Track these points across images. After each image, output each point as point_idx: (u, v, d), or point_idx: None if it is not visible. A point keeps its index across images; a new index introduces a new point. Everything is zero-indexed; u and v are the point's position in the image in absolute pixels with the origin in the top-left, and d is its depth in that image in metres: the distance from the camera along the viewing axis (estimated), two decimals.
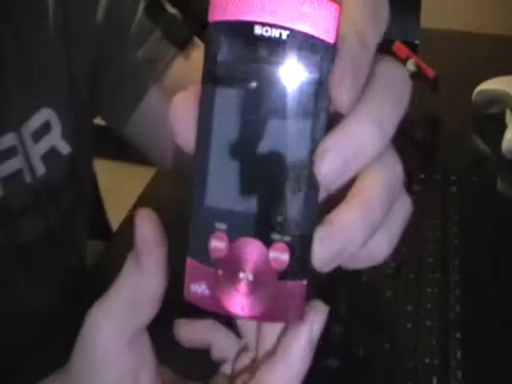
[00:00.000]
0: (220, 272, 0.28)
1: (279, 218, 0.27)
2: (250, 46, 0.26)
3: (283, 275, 0.28)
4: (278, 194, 0.27)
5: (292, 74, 0.26)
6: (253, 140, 0.27)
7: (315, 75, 0.26)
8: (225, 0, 0.26)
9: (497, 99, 0.91)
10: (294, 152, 0.26)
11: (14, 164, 0.55)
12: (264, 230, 0.27)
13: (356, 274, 0.67)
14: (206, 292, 0.28)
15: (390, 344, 0.60)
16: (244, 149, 0.27)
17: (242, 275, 0.28)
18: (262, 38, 0.26)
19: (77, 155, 0.61)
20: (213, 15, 0.26)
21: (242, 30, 0.26)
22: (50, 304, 0.66)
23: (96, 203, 1.02)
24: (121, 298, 0.31)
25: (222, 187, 0.27)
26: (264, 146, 0.27)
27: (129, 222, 0.77)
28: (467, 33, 1.18)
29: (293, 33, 0.26)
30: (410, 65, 1.04)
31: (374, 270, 0.68)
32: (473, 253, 0.70)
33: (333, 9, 0.26)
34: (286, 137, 0.26)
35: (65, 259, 0.66)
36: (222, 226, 0.27)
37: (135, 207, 0.79)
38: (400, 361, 0.59)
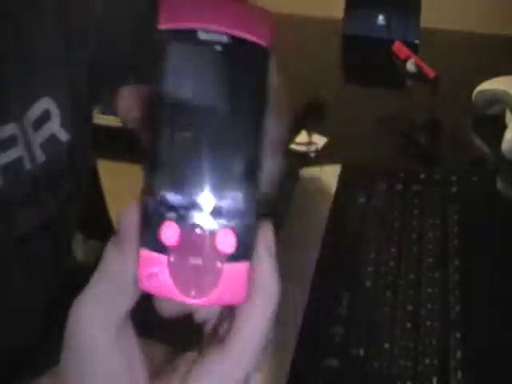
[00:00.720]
0: (172, 259, 0.30)
1: (224, 205, 0.29)
2: (195, 49, 0.29)
3: (230, 258, 0.30)
4: (223, 184, 0.29)
5: (232, 74, 0.29)
6: (198, 135, 0.29)
7: (252, 75, 0.30)
8: (170, 9, 0.30)
9: (497, 99, 0.91)
10: (235, 146, 0.30)
11: (13, 153, 0.56)
12: (211, 217, 0.30)
13: (356, 274, 0.67)
14: (160, 279, 0.30)
15: (389, 344, 0.60)
16: (190, 144, 0.29)
17: (192, 260, 0.30)
18: (204, 42, 0.29)
19: (75, 143, 0.62)
20: (161, 22, 0.29)
21: (188, 36, 0.29)
22: (45, 299, 0.66)
23: (99, 203, 1.02)
24: (104, 285, 0.31)
25: (171, 179, 0.30)
26: (208, 141, 0.29)
27: None
28: (467, 33, 1.18)
29: (232, 38, 0.29)
30: (410, 65, 1.04)
31: (374, 270, 0.68)
32: (473, 253, 0.70)
33: (267, 16, 0.30)
34: (227, 131, 0.29)
35: (59, 251, 0.67)
36: (171, 214, 0.30)
37: None
38: (400, 361, 0.59)
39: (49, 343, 0.62)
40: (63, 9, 0.60)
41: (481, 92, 0.92)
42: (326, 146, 0.89)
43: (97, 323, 0.31)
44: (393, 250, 0.70)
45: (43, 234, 0.62)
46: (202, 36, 0.29)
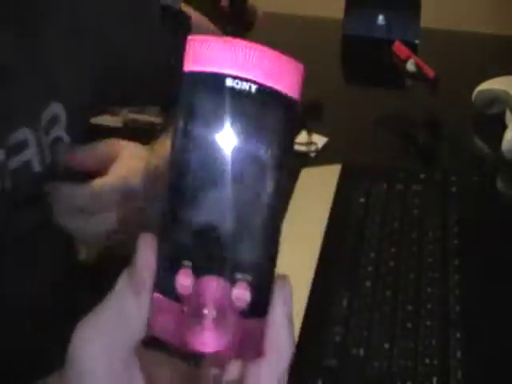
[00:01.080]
0: (185, 308, 0.29)
1: (242, 259, 0.29)
2: (222, 96, 0.28)
3: (245, 313, 0.29)
4: (243, 236, 0.29)
5: (257, 126, 0.29)
6: (220, 184, 0.29)
7: (279, 130, 0.29)
8: (199, 53, 0.29)
9: (497, 99, 0.91)
10: (257, 198, 0.29)
11: (24, 156, 0.58)
12: (228, 269, 0.29)
13: (356, 274, 0.67)
14: (171, 327, 0.29)
15: (389, 344, 0.60)
16: (212, 191, 0.29)
17: (205, 312, 0.29)
18: (232, 89, 0.28)
19: (75, 144, 0.63)
20: (187, 65, 0.29)
21: (215, 82, 0.28)
22: (45, 298, 0.66)
23: None
24: (113, 320, 0.31)
25: (189, 227, 0.29)
26: (229, 190, 0.29)
27: None
28: (467, 33, 1.18)
29: (261, 87, 0.28)
30: (410, 65, 1.04)
31: (374, 270, 0.68)
32: (473, 253, 0.70)
33: (298, 68, 0.29)
34: (250, 183, 0.29)
35: (61, 251, 0.68)
36: (188, 263, 0.29)
37: None
38: (400, 361, 0.59)
39: (50, 344, 0.62)
40: (76, 17, 0.62)
41: (481, 92, 0.92)
42: (325, 146, 0.89)
43: (99, 355, 0.31)
44: (393, 249, 0.70)
45: (43, 235, 0.62)
46: (230, 82, 0.28)
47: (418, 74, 1.02)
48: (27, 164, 0.58)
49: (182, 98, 0.29)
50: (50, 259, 0.65)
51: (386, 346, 0.60)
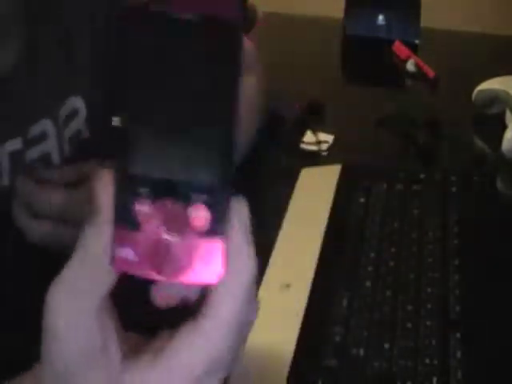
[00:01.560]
0: (145, 235, 0.29)
1: (197, 180, 0.29)
2: (164, 25, 0.28)
3: (204, 235, 0.29)
4: (197, 158, 0.29)
5: (205, 49, 0.28)
6: (170, 109, 0.29)
7: (225, 49, 0.28)
8: None
9: (497, 99, 0.91)
10: (209, 121, 0.29)
11: (44, 147, 0.59)
12: (184, 192, 0.29)
13: (356, 274, 0.67)
14: (132, 256, 0.29)
15: (389, 344, 0.60)
16: (163, 118, 0.29)
17: (165, 236, 0.29)
18: (175, 19, 0.28)
19: (93, 140, 0.64)
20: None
21: (158, 15, 0.28)
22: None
23: None
24: (81, 268, 0.31)
25: (142, 154, 0.29)
26: (181, 116, 0.29)
27: None
28: (467, 33, 1.18)
29: (201, 16, 0.28)
30: (410, 65, 1.04)
31: (374, 270, 0.68)
32: (473, 253, 0.70)
33: None
34: (201, 106, 0.29)
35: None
36: (144, 190, 0.29)
37: None
38: (400, 361, 0.59)
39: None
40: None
41: (481, 92, 0.92)
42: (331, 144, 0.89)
43: (73, 307, 0.31)
44: (393, 249, 0.70)
45: None
46: (174, 16, 0.28)
47: (418, 74, 1.02)
48: (47, 156, 0.59)
49: (119, 33, 0.29)
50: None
51: (386, 346, 0.60)
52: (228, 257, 0.30)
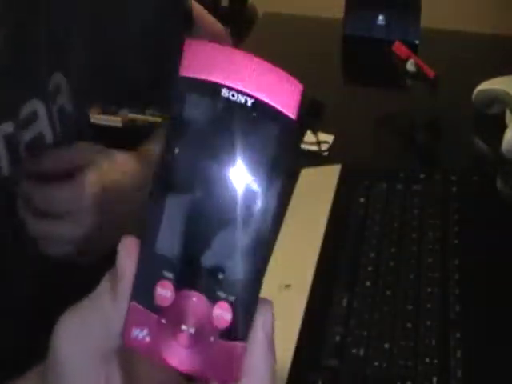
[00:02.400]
0: (163, 320, 0.28)
1: (226, 278, 0.28)
2: (216, 107, 0.27)
3: (224, 334, 0.28)
4: (228, 255, 0.28)
5: (252, 139, 0.27)
6: (208, 195, 0.27)
7: (274, 149, 0.27)
8: (197, 59, 0.27)
9: (497, 99, 0.91)
10: (247, 216, 0.27)
11: (36, 128, 0.58)
12: (210, 286, 0.28)
13: (356, 274, 0.67)
14: (147, 339, 0.28)
15: (389, 344, 0.60)
16: (199, 203, 0.27)
17: (183, 327, 0.28)
18: (227, 100, 0.27)
19: (78, 115, 0.64)
20: (183, 69, 0.28)
21: (211, 91, 0.27)
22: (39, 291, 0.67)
23: None
24: (94, 320, 0.30)
25: (173, 237, 0.28)
26: (218, 205, 0.27)
27: None
28: (467, 33, 1.18)
29: (257, 102, 0.27)
30: (410, 65, 1.04)
31: (374, 270, 0.68)
32: (473, 253, 0.70)
33: (298, 87, 0.28)
34: (239, 199, 0.27)
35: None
36: (169, 274, 0.28)
37: None
38: (400, 361, 0.59)
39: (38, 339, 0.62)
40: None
41: (481, 92, 0.92)
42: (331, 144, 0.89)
43: (80, 354, 0.30)
44: (393, 250, 0.70)
45: None
46: (226, 93, 0.27)
47: (418, 74, 1.02)
48: (41, 136, 0.58)
49: (174, 104, 0.28)
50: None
51: (386, 345, 0.60)
52: (248, 362, 0.29)
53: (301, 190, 0.79)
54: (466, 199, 0.77)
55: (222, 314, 0.28)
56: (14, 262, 0.61)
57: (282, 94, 0.27)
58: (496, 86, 0.91)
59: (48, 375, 0.32)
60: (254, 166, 0.27)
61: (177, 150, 0.27)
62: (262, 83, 0.27)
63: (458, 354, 0.59)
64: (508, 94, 0.88)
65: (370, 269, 0.68)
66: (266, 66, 0.28)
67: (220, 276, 0.28)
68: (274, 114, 0.27)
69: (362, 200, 0.77)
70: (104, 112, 1.29)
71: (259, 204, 0.28)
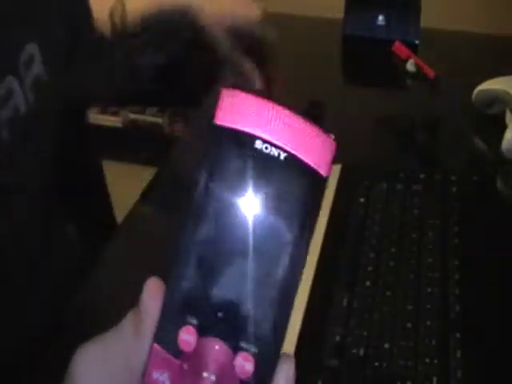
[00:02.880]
0: (184, 366, 0.28)
1: (250, 329, 0.28)
2: (249, 158, 0.27)
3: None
4: (253, 306, 0.28)
5: (281, 195, 0.27)
6: (234, 251, 0.28)
7: (303, 203, 0.28)
8: (232, 108, 0.28)
9: (497, 99, 0.91)
10: (273, 270, 0.28)
11: (13, 102, 0.58)
12: (234, 336, 0.28)
13: (356, 274, 0.67)
14: (167, 382, 0.28)
15: (389, 344, 0.60)
16: (227, 254, 0.28)
17: (205, 374, 0.28)
18: (261, 152, 0.27)
19: (53, 83, 0.64)
20: (219, 118, 0.28)
21: (245, 141, 0.27)
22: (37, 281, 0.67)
23: (105, 205, 1.02)
24: (115, 356, 0.30)
25: (199, 284, 0.28)
26: (246, 257, 0.27)
27: (129, 221, 0.78)
28: (467, 33, 1.18)
29: (290, 156, 0.27)
30: (410, 65, 1.04)
31: (374, 270, 0.68)
32: (473, 253, 0.70)
33: (331, 144, 0.28)
34: (267, 251, 0.28)
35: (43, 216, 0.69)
36: (193, 320, 0.28)
37: (136, 207, 0.79)
38: (400, 361, 0.59)
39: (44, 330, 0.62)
40: None
41: (481, 92, 0.92)
42: None
43: (98, 381, 0.30)
44: (393, 250, 0.70)
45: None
46: (259, 145, 0.27)
47: (418, 74, 1.02)
48: (16, 108, 0.58)
49: (208, 151, 0.28)
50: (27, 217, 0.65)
51: (386, 345, 0.60)
52: None
53: None
54: (466, 199, 0.77)
55: (244, 364, 0.28)
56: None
57: (314, 150, 0.27)
58: (496, 86, 0.91)
59: None
60: (282, 218, 0.27)
61: (208, 196, 0.28)
62: (295, 138, 0.27)
63: (458, 354, 0.59)
64: (508, 93, 0.88)
65: (369, 269, 0.68)
66: (301, 120, 0.28)
67: (244, 326, 0.28)
68: (305, 169, 0.27)
69: (361, 200, 0.77)
70: (104, 112, 1.29)
71: (286, 256, 0.28)
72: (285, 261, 0.28)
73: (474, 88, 0.93)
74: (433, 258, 0.68)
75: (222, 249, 0.28)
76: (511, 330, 0.62)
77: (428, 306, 0.63)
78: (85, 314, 0.65)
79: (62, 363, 0.32)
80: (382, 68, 1.09)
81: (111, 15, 0.77)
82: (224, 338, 0.28)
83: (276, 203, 0.27)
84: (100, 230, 0.94)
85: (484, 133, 0.91)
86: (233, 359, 0.28)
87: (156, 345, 0.28)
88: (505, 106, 0.89)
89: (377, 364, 0.58)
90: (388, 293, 0.65)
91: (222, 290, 0.28)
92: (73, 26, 0.69)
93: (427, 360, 0.58)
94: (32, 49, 0.60)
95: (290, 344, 0.60)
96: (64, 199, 0.78)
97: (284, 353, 0.29)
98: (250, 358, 0.28)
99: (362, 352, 0.59)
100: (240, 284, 0.28)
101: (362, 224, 0.73)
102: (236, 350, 0.28)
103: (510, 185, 0.82)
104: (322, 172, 0.28)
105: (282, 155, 0.27)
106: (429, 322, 0.62)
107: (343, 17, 1.16)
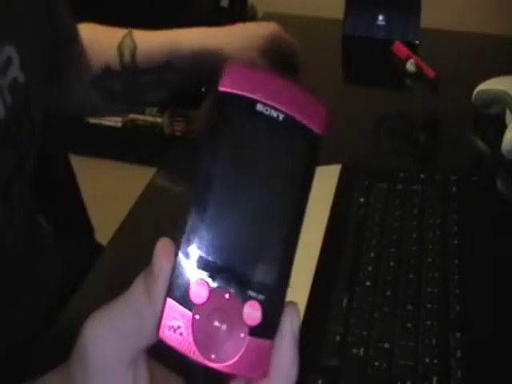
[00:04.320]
0: (196, 317, 0.30)
1: (257, 279, 0.30)
2: (250, 119, 0.31)
3: (253, 332, 0.30)
4: (260, 256, 0.30)
5: (282, 151, 0.31)
6: (241, 201, 0.31)
7: (301, 158, 0.31)
8: (235, 77, 0.31)
9: (497, 99, 0.91)
10: (276, 222, 0.31)
11: None
12: (242, 286, 0.30)
13: (356, 274, 0.67)
14: (181, 334, 0.30)
15: (389, 344, 0.60)
16: (233, 208, 0.31)
17: (216, 323, 0.30)
18: (261, 114, 0.31)
19: (30, 85, 0.64)
20: (223, 85, 0.31)
21: (247, 105, 0.31)
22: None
23: (77, 203, 1.02)
24: (125, 319, 0.31)
25: (210, 239, 0.30)
26: (250, 210, 0.31)
27: (127, 223, 0.78)
28: (467, 33, 1.18)
29: (288, 117, 0.31)
30: (410, 65, 1.04)
31: (374, 270, 0.68)
32: (473, 253, 0.70)
33: (324, 109, 0.33)
34: (269, 204, 0.31)
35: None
36: (204, 274, 0.30)
37: (135, 207, 0.79)
38: (400, 361, 0.59)
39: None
40: None
41: (481, 92, 0.92)
42: (325, 146, 0.89)
43: (110, 353, 0.31)
44: (393, 250, 0.70)
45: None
46: (260, 108, 0.31)
47: (418, 74, 1.02)
48: None
49: (212, 117, 0.31)
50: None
51: (386, 345, 0.60)
52: (275, 359, 0.31)
53: None
54: (466, 199, 0.77)
55: (253, 312, 0.30)
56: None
57: (308, 112, 0.32)
58: (496, 86, 0.91)
59: (73, 373, 0.32)
60: (284, 168, 0.31)
61: (214, 157, 0.30)
62: (292, 103, 0.31)
63: (458, 354, 0.59)
64: (508, 94, 0.88)
65: (370, 269, 0.68)
66: (298, 88, 0.32)
67: (252, 277, 0.30)
68: (301, 127, 0.31)
69: (361, 200, 0.77)
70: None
71: (289, 206, 0.31)
72: (288, 210, 0.31)
73: (474, 88, 0.93)
74: (433, 258, 0.68)
75: (230, 204, 0.30)
76: (511, 330, 0.62)
77: (428, 306, 0.63)
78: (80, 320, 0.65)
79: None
80: (382, 68, 1.09)
81: (120, 48, 0.77)
82: (233, 288, 0.30)
83: (276, 158, 0.31)
84: (73, 226, 0.95)
85: (484, 133, 0.91)
86: (242, 308, 0.30)
87: (169, 299, 0.30)
88: (505, 106, 0.89)
89: (377, 364, 0.58)
90: (388, 293, 0.65)
91: (230, 244, 0.30)
92: (52, 32, 0.69)
93: (427, 360, 0.58)
94: (9, 51, 0.60)
95: None
96: (37, 196, 0.77)
97: (288, 301, 0.32)
98: (258, 306, 0.30)
99: (362, 352, 0.59)
100: (247, 237, 0.30)
101: (362, 224, 0.73)
102: (244, 299, 0.30)
103: (510, 185, 0.82)
104: (316, 130, 0.32)
105: (281, 116, 0.31)
106: (429, 322, 0.62)
107: (343, 17, 1.16)
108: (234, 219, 0.30)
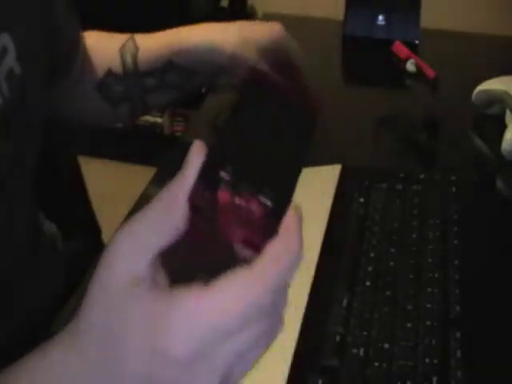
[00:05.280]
0: (218, 200, 0.35)
1: (269, 188, 0.36)
2: (266, 100, 0.39)
3: (267, 213, 0.36)
4: (273, 174, 0.37)
5: (289, 123, 0.39)
6: (260, 137, 0.38)
7: (304, 127, 0.39)
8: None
9: (497, 99, 0.91)
10: (287, 152, 0.39)
11: None
12: (255, 187, 0.36)
13: (356, 274, 0.67)
14: (204, 206, 0.35)
15: (389, 344, 0.60)
16: (251, 134, 0.38)
17: (236, 201, 0.35)
18: (272, 97, 0.39)
19: (27, 76, 0.64)
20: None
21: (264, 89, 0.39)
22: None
23: (85, 205, 1.02)
24: (147, 223, 0.35)
25: (235, 152, 0.37)
26: (263, 137, 0.38)
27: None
28: (467, 33, 1.18)
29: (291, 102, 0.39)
30: (410, 65, 1.04)
31: (374, 270, 0.68)
32: (473, 253, 0.70)
33: (316, 100, 0.40)
34: (281, 142, 0.39)
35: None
36: (226, 176, 0.35)
37: (135, 207, 0.79)
38: (400, 361, 0.59)
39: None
40: None
41: (481, 92, 0.92)
42: (326, 146, 0.89)
43: (131, 256, 0.35)
44: (393, 250, 0.70)
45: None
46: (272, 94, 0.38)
47: (418, 74, 1.02)
48: None
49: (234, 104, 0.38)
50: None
51: (386, 346, 0.60)
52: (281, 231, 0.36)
53: (301, 190, 0.79)
54: (466, 199, 0.77)
55: (260, 209, 0.35)
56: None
57: (308, 99, 0.39)
58: (496, 86, 0.91)
59: (94, 286, 0.36)
60: (292, 127, 0.39)
61: (240, 111, 0.38)
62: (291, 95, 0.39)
63: (458, 354, 0.59)
64: (508, 94, 0.88)
65: (370, 269, 0.68)
66: (292, 87, 0.39)
67: (263, 181, 0.36)
68: (303, 110, 0.39)
69: (361, 200, 0.77)
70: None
71: (294, 145, 0.39)
72: (291, 149, 0.39)
73: (474, 88, 0.93)
74: (433, 258, 0.68)
75: (250, 133, 0.37)
76: (511, 330, 0.62)
77: (428, 306, 0.63)
78: None
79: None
80: (382, 68, 1.09)
81: (122, 52, 0.77)
82: (251, 189, 0.35)
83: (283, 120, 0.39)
84: (81, 227, 0.95)
85: (484, 133, 0.91)
86: (252, 206, 0.35)
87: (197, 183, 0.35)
88: (505, 106, 0.89)
89: (377, 364, 0.58)
90: (388, 293, 0.65)
91: (250, 157, 0.37)
92: (53, 32, 0.69)
93: (427, 360, 0.58)
94: (5, 40, 0.60)
95: (290, 344, 0.60)
96: (41, 195, 0.77)
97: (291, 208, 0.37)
98: (268, 203, 0.36)
99: (362, 352, 0.59)
100: (263, 156, 0.37)
101: (362, 224, 0.73)
102: (256, 200, 0.35)
103: (510, 185, 0.82)
104: (314, 112, 0.39)
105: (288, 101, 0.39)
106: (429, 322, 0.62)
107: (343, 17, 1.16)
108: (252, 138, 0.37)
